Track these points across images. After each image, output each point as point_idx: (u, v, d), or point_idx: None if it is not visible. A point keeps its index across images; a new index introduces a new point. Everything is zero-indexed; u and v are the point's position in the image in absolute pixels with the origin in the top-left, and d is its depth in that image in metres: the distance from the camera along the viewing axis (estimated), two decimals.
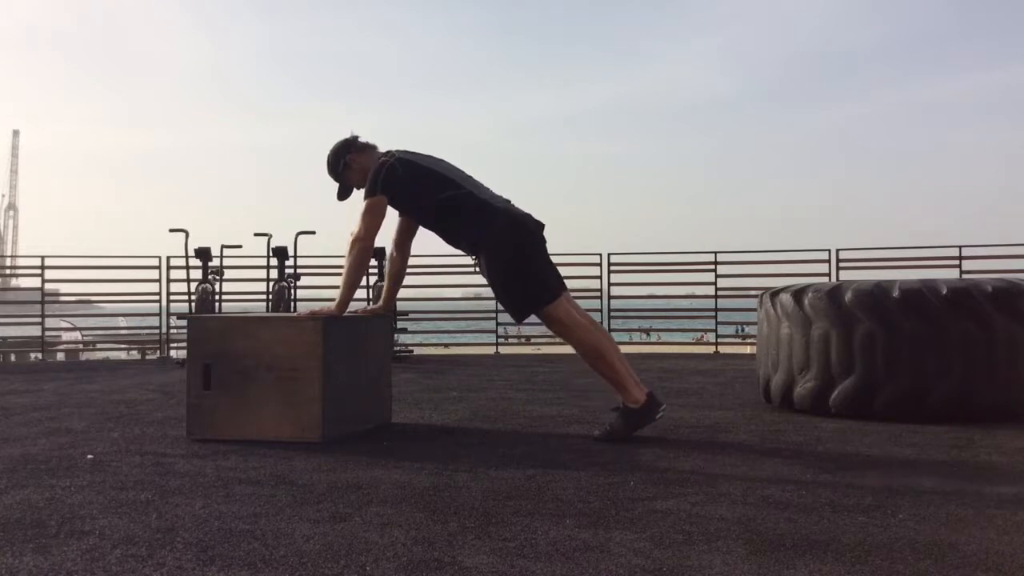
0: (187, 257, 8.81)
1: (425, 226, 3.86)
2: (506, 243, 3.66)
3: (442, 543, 2.11)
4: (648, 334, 17.77)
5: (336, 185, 3.92)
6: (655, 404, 3.60)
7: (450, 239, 3.83)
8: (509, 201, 3.80)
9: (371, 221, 3.69)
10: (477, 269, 3.81)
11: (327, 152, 3.90)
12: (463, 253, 3.88)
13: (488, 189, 3.82)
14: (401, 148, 3.84)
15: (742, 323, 11.44)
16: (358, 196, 3.85)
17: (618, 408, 3.65)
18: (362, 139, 3.89)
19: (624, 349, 10.82)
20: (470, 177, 3.83)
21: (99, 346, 13.77)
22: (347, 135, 3.91)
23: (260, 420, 3.59)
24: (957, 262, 9.82)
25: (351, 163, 3.84)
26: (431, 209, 3.74)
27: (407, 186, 3.71)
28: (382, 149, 3.86)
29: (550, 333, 4.11)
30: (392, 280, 4.11)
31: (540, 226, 3.78)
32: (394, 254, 4.04)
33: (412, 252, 4.05)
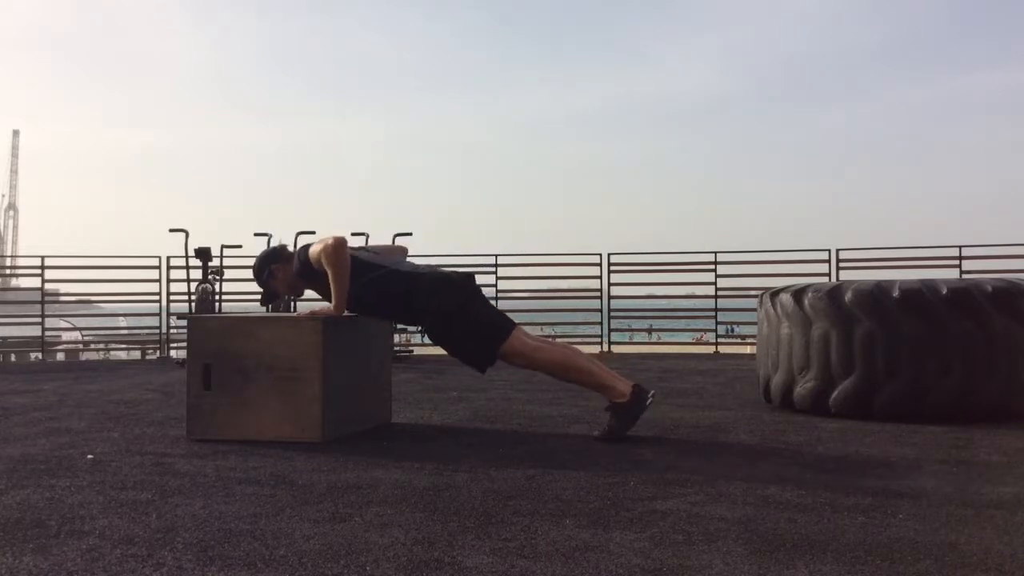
0: (187, 257, 8.81)
1: (361, 309, 3.90)
2: (443, 302, 3.77)
3: (442, 543, 2.11)
4: (649, 334, 17.79)
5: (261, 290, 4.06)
6: (643, 393, 3.63)
7: (389, 316, 4.06)
8: (432, 266, 3.99)
9: (323, 240, 3.75)
10: (425, 337, 3.93)
11: (254, 260, 4.05)
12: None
13: (408, 262, 3.98)
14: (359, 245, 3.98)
15: (731, 323, 11.43)
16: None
17: (608, 407, 3.66)
18: (288, 249, 4.06)
19: (624, 349, 10.68)
20: (390, 256, 3.99)
21: (99, 346, 13.78)
22: (276, 245, 4.12)
23: (260, 420, 3.59)
24: (957, 262, 9.82)
25: (275, 272, 3.97)
26: (361, 292, 3.79)
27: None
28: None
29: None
30: None
31: (469, 277, 3.93)
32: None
33: (412, 253, 4.12)
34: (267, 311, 6.55)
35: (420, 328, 3.97)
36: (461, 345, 3.80)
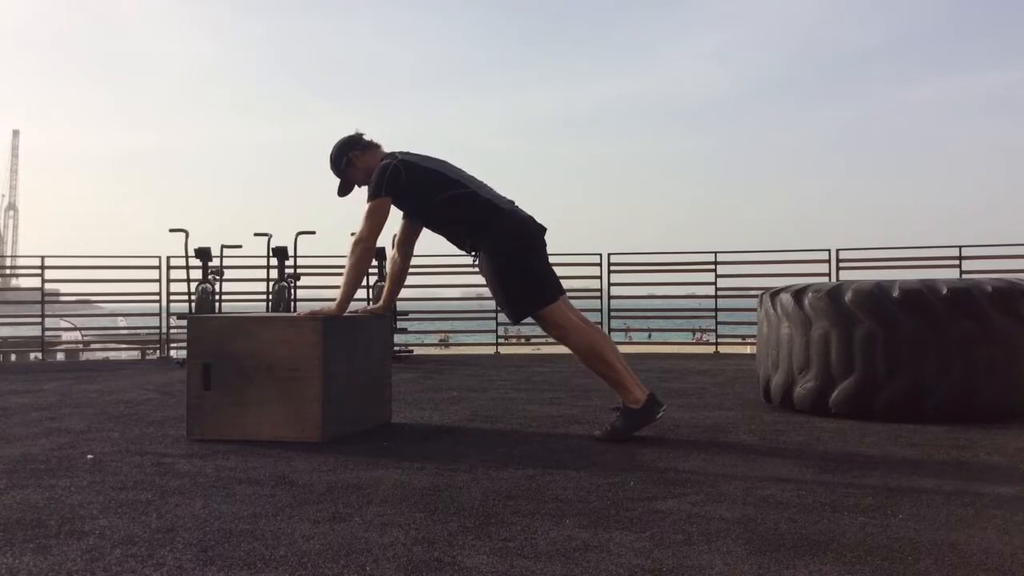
0: (187, 257, 8.81)
1: (428, 226, 3.86)
2: (507, 243, 3.68)
3: (442, 543, 2.11)
4: (649, 335, 17.77)
5: (337, 181, 3.93)
6: (655, 404, 3.61)
7: (452, 237, 3.84)
8: (513, 202, 3.81)
9: (374, 222, 3.70)
10: (477, 267, 3.82)
11: (331, 147, 3.90)
12: (463, 252, 3.89)
13: (492, 189, 3.82)
14: (404, 150, 3.84)
15: (699, 330, 11.48)
16: (358, 194, 3.85)
17: (618, 408, 3.65)
18: (367, 137, 3.90)
19: (624, 349, 10.78)
20: (473, 178, 3.83)
21: (99, 346, 13.78)
22: (351, 132, 3.92)
23: (260, 420, 3.59)
24: (957, 262, 9.83)
25: (354, 160, 3.84)
26: (434, 208, 3.75)
27: (411, 188, 3.72)
28: (386, 150, 3.87)
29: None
30: (393, 281, 4.11)
31: (542, 230, 3.79)
32: (396, 256, 4.05)
33: (413, 252, 4.06)
34: (267, 311, 6.55)
35: (474, 256, 3.83)
36: (508, 288, 3.69)
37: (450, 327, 13.34)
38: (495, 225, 3.67)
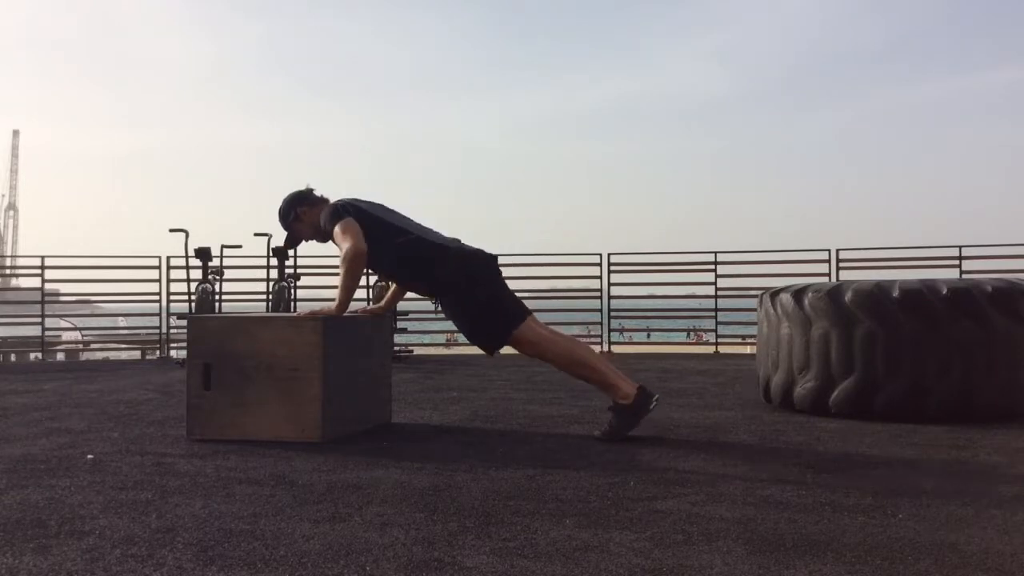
0: (187, 257, 8.81)
1: (380, 273, 3.89)
2: (462, 279, 3.74)
3: (442, 543, 2.11)
4: (649, 335, 17.78)
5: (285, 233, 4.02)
6: (647, 396, 3.62)
7: (406, 284, 3.98)
8: (458, 240, 3.91)
9: (353, 235, 3.70)
10: (439, 311, 3.90)
11: (280, 201, 3.98)
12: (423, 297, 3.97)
13: (436, 232, 3.91)
14: (347, 197, 3.91)
15: (694, 330, 11.48)
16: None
17: (612, 407, 3.65)
18: (317, 193, 3.98)
19: (624, 349, 10.65)
20: (418, 224, 3.92)
21: (99, 346, 13.78)
22: (303, 187, 4.00)
23: (260, 420, 3.59)
24: (957, 262, 9.83)
25: (301, 216, 3.93)
26: (382, 256, 3.78)
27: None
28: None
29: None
30: (395, 291, 4.16)
31: (492, 258, 3.86)
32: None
33: None
34: (267, 311, 6.56)
35: (435, 300, 3.91)
36: (474, 323, 3.75)
37: (450, 327, 13.34)
38: (444, 265, 3.74)
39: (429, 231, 3.89)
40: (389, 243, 3.75)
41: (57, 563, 1.97)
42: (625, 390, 3.62)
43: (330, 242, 3.84)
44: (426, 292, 3.93)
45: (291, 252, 8.75)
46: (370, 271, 4.12)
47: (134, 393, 5.61)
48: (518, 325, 3.69)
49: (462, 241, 3.89)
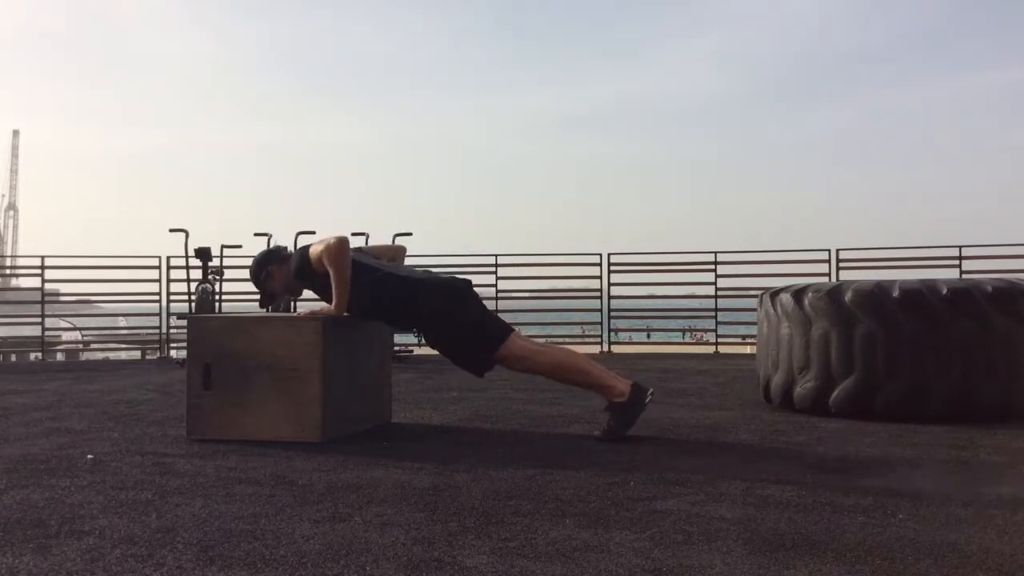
0: (187, 257, 8.81)
1: (358, 311, 3.88)
2: (440, 307, 3.77)
3: (442, 543, 2.11)
4: (648, 335, 17.78)
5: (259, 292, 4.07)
6: (641, 391, 3.63)
7: (385, 319, 4.00)
8: (428, 271, 3.99)
9: (335, 236, 3.74)
10: (421, 342, 3.92)
11: (252, 260, 4.03)
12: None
13: (407, 267, 3.99)
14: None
15: (690, 330, 11.48)
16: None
17: (608, 407, 3.66)
18: (287, 251, 4.04)
19: (624, 349, 10.66)
20: (384, 262, 3.97)
21: (99, 346, 13.78)
22: (274, 246, 4.11)
23: (260, 420, 3.59)
24: (957, 262, 9.82)
25: (272, 273, 3.97)
26: (358, 294, 3.78)
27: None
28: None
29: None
30: None
31: (467, 283, 3.92)
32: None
33: (412, 253, 4.12)
34: (267, 311, 6.55)
35: (416, 332, 3.96)
36: (458, 349, 3.81)
37: None
38: (420, 296, 3.77)
39: (399, 267, 3.96)
40: (363, 280, 3.77)
41: (57, 563, 1.97)
42: (619, 388, 3.62)
43: (306, 287, 3.96)
44: (407, 326, 4.01)
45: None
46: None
47: (134, 393, 5.61)
48: (501, 344, 3.70)
49: (432, 271, 3.99)
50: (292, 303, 8.37)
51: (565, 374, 3.73)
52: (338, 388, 3.66)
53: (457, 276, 4.00)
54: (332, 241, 3.71)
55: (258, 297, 4.19)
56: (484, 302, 3.95)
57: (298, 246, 9.25)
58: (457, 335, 3.79)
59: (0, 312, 12.09)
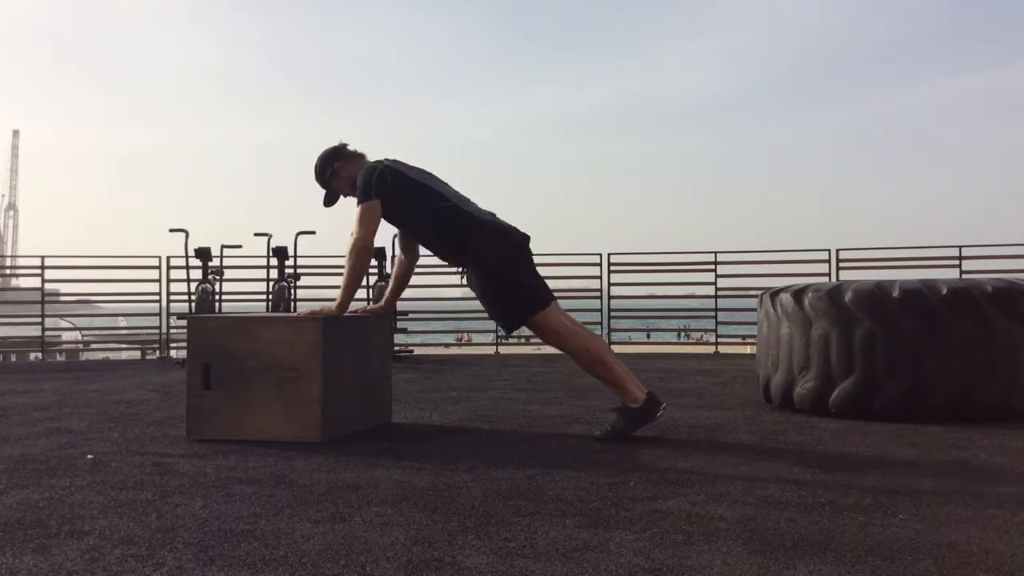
0: (187, 257, 8.81)
1: (411, 236, 3.86)
2: (493, 255, 3.71)
3: (442, 543, 2.11)
4: (648, 335, 17.79)
5: (323, 192, 3.95)
6: (655, 403, 3.61)
7: (436, 251, 3.88)
8: (494, 214, 3.85)
9: (368, 225, 3.70)
10: (464, 282, 3.83)
11: (315, 158, 3.92)
12: (448, 264, 3.92)
13: (473, 203, 3.85)
14: (390, 158, 3.85)
15: (685, 329, 11.48)
16: (347, 202, 3.87)
17: (618, 408, 3.65)
18: (351, 147, 3.92)
19: (624, 349, 10.68)
20: (457, 192, 3.86)
21: (99, 346, 13.77)
22: (336, 143, 3.93)
23: (260, 420, 3.59)
24: (957, 262, 9.83)
25: (338, 171, 3.86)
26: (415, 220, 3.76)
27: (395, 195, 3.74)
28: (372, 158, 3.89)
29: None
30: (397, 282, 4.13)
31: (526, 238, 3.82)
32: (401, 256, 4.07)
33: (419, 254, 4.08)
34: (267, 311, 6.56)
35: (461, 271, 3.85)
36: (498, 300, 3.72)
37: (451, 327, 13.35)
38: (478, 238, 3.70)
39: (467, 201, 3.83)
40: (426, 208, 3.71)
41: (57, 563, 1.97)
42: (635, 394, 3.61)
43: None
44: (456, 262, 3.86)
45: (290, 253, 8.75)
46: (399, 237, 4.04)
47: (134, 393, 5.61)
48: (542, 310, 3.66)
49: (497, 216, 3.84)
50: (292, 304, 8.38)
51: (589, 363, 3.67)
52: (338, 388, 3.66)
53: (518, 229, 3.83)
54: (362, 240, 3.65)
55: (323, 198, 3.94)
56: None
57: (298, 246, 9.27)
58: (503, 285, 3.71)
59: (0, 312, 12.09)
